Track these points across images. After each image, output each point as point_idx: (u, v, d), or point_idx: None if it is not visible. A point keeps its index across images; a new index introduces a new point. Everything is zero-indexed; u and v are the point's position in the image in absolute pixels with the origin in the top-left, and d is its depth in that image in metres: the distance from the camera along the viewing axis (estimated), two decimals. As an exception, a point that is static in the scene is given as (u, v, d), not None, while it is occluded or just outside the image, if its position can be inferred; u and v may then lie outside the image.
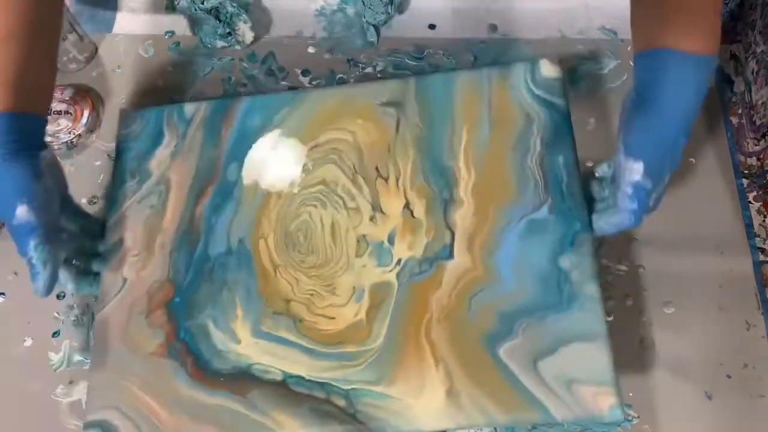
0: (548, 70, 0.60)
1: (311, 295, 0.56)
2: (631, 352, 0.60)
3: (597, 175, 0.56)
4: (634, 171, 0.50)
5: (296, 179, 0.60)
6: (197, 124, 0.64)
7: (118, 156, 0.64)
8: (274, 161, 0.61)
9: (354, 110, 0.62)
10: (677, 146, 0.50)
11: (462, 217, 0.56)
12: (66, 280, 0.58)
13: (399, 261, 0.56)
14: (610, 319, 0.61)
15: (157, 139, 0.64)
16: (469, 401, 0.51)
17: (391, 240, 0.57)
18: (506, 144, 0.58)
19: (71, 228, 0.59)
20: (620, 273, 0.63)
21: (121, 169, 0.64)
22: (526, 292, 0.53)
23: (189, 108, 0.65)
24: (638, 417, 0.58)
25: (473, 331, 0.53)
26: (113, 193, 0.63)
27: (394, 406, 0.52)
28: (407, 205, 0.58)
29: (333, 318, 0.55)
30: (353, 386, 0.53)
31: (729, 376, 0.59)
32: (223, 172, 0.61)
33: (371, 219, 0.58)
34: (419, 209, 0.57)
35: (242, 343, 0.55)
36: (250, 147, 0.62)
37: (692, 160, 0.67)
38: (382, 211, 0.58)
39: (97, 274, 0.60)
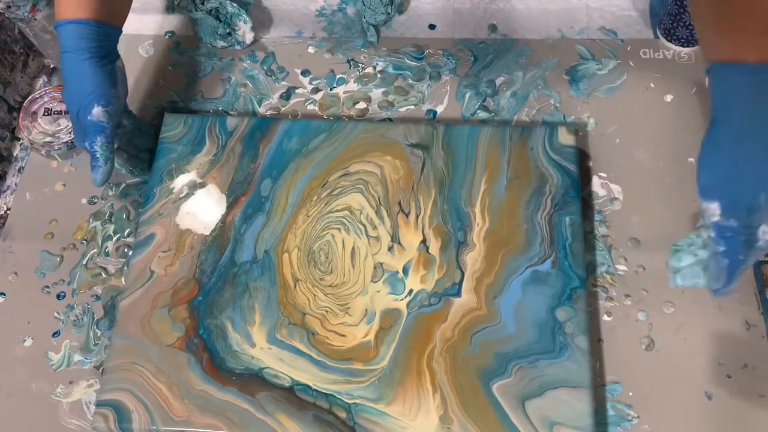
0: (565, 138, 0.66)
1: (326, 311, 0.60)
2: (631, 352, 0.61)
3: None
4: (710, 211, 0.47)
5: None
6: (237, 137, 0.68)
7: (158, 155, 0.68)
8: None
9: (385, 147, 0.67)
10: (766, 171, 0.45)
11: (472, 259, 0.61)
12: (120, 165, 0.68)
13: (410, 291, 0.61)
14: (610, 319, 0.62)
15: (198, 146, 0.68)
16: (460, 429, 0.55)
17: (405, 271, 0.61)
18: (520, 199, 0.64)
19: (127, 124, 0.68)
20: (620, 273, 0.64)
21: (160, 168, 0.68)
22: (523, 336, 0.58)
23: (231, 121, 0.69)
24: (638, 417, 0.58)
25: (471, 366, 0.57)
26: (149, 189, 0.66)
27: (391, 424, 0.56)
28: (424, 241, 0.62)
29: (344, 336, 0.59)
30: (355, 401, 0.57)
31: (729, 376, 0.59)
32: (257, 186, 0.66)
33: (389, 249, 0.62)
34: (434, 247, 0.62)
35: (257, 346, 0.59)
36: (285, 166, 0.66)
37: (692, 160, 0.68)
38: (400, 243, 0.62)
39: (145, 165, 0.70)
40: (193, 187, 0.66)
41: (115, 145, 0.64)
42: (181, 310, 0.61)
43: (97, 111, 0.61)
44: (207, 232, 0.64)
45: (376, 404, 0.57)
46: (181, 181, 0.67)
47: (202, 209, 0.66)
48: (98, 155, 0.61)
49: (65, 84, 0.61)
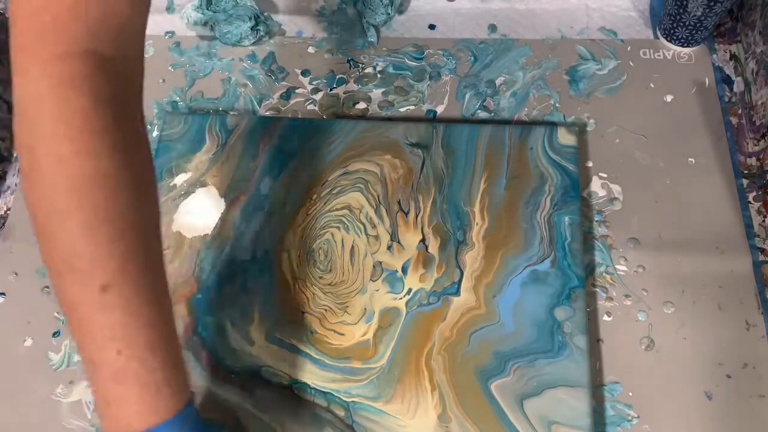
0: (565, 138, 0.66)
1: (325, 310, 0.60)
2: (631, 352, 0.60)
3: None
4: None
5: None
6: (238, 135, 0.68)
7: (158, 153, 0.68)
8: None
9: (384, 146, 0.67)
10: None
11: (472, 258, 0.61)
12: None
13: (409, 290, 0.61)
14: (610, 319, 0.62)
15: (198, 144, 0.68)
16: (458, 428, 0.55)
17: (404, 270, 0.61)
18: (519, 198, 0.63)
19: None
20: (620, 273, 0.64)
21: (160, 166, 0.67)
22: (521, 335, 0.58)
23: (231, 119, 0.69)
24: (638, 417, 0.58)
25: (469, 364, 0.57)
26: None
27: (389, 422, 0.56)
28: (423, 240, 0.62)
29: (343, 334, 0.59)
30: (354, 399, 0.57)
31: (729, 376, 0.59)
32: (257, 184, 0.66)
33: (389, 248, 0.62)
34: (434, 246, 0.62)
35: (255, 345, 0.59)
36: (285, 165, 0.67)
37: (692, 160, 0.68)
38: (399, 242, 0.63)
39: None
40: (193, 185, 0.67)
41: None
42: (179, 308, 0.61)
43: None
44: (206, 231, 0.64)
45: (374, 402, 0.57)
46: (180, 179, 0.67)
47: (202, 208, 0.66)
48: None
49: None
